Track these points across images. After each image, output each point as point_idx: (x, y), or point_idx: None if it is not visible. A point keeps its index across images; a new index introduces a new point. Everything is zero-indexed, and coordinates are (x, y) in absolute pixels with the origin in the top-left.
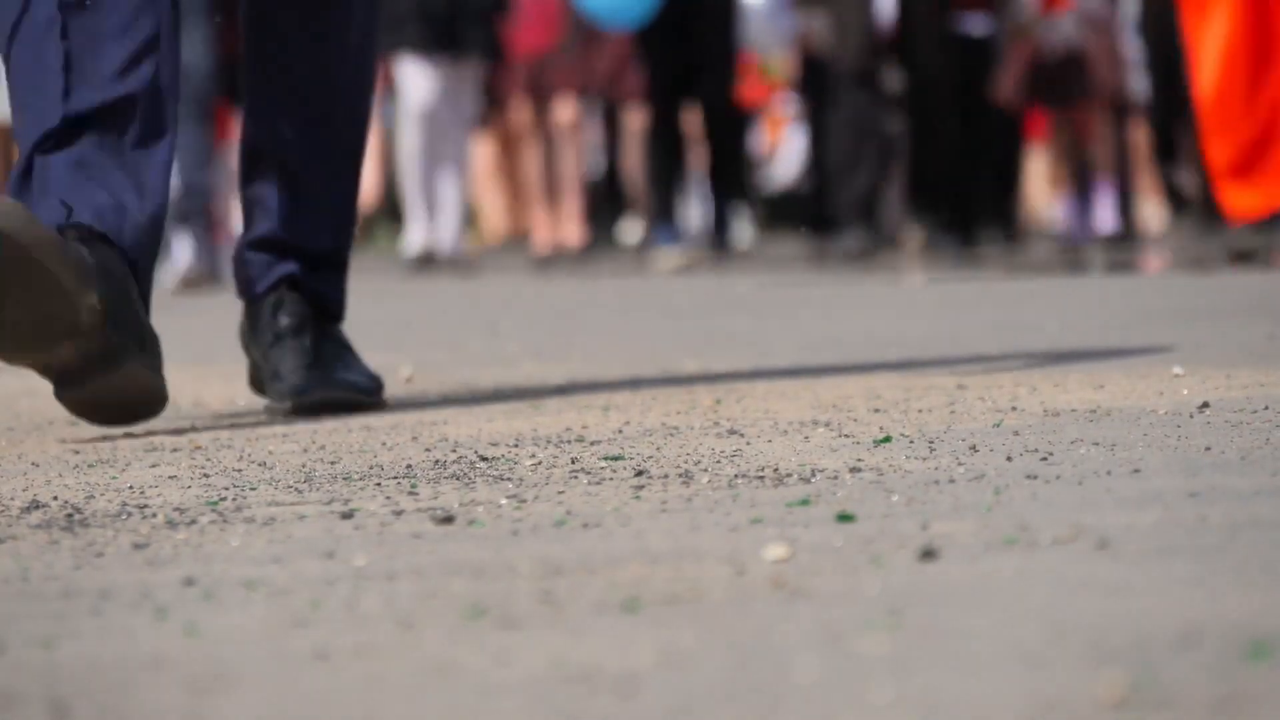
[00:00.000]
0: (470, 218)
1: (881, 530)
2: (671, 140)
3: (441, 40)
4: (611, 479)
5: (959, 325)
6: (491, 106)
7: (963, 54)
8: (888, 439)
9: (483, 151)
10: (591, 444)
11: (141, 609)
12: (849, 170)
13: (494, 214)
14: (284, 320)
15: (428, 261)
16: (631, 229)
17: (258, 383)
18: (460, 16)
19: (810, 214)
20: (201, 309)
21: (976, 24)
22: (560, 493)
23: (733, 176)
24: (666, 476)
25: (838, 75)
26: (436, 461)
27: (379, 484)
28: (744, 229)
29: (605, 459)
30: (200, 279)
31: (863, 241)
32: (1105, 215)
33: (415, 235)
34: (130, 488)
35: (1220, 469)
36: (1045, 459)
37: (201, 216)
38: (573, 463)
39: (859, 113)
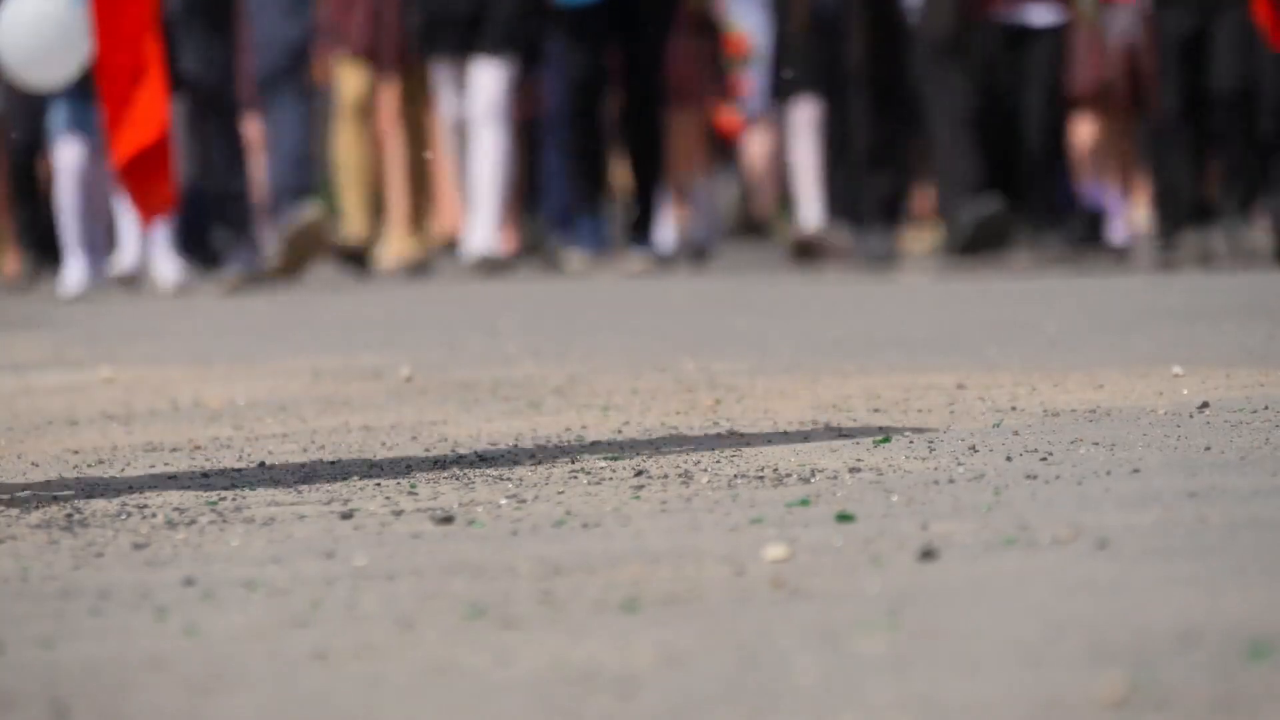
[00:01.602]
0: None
1: (881, 530)
2: (595, 132)
3: (467, 43)
4: (611, 479)
5: (959, 325)
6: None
7: (1025, 46)
8: (887, 439)
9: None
10: (591, 444)
11: (141, 609)
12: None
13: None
14: None
15: (493, 266)
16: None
17: None
18: (487, 16)
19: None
20: (202, 309)
21: (1039, 14)
22: (560, 493)
23: (656, 169)
24: (666, 476)
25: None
26: (436, 461)
27: (379, 484)
28: (669, 229)
29: (605, 459)
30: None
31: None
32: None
33: (476, 240)
34: (130, 488)
35: (1220, 469)
36: (1045, 459)
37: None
38: (573, 463)
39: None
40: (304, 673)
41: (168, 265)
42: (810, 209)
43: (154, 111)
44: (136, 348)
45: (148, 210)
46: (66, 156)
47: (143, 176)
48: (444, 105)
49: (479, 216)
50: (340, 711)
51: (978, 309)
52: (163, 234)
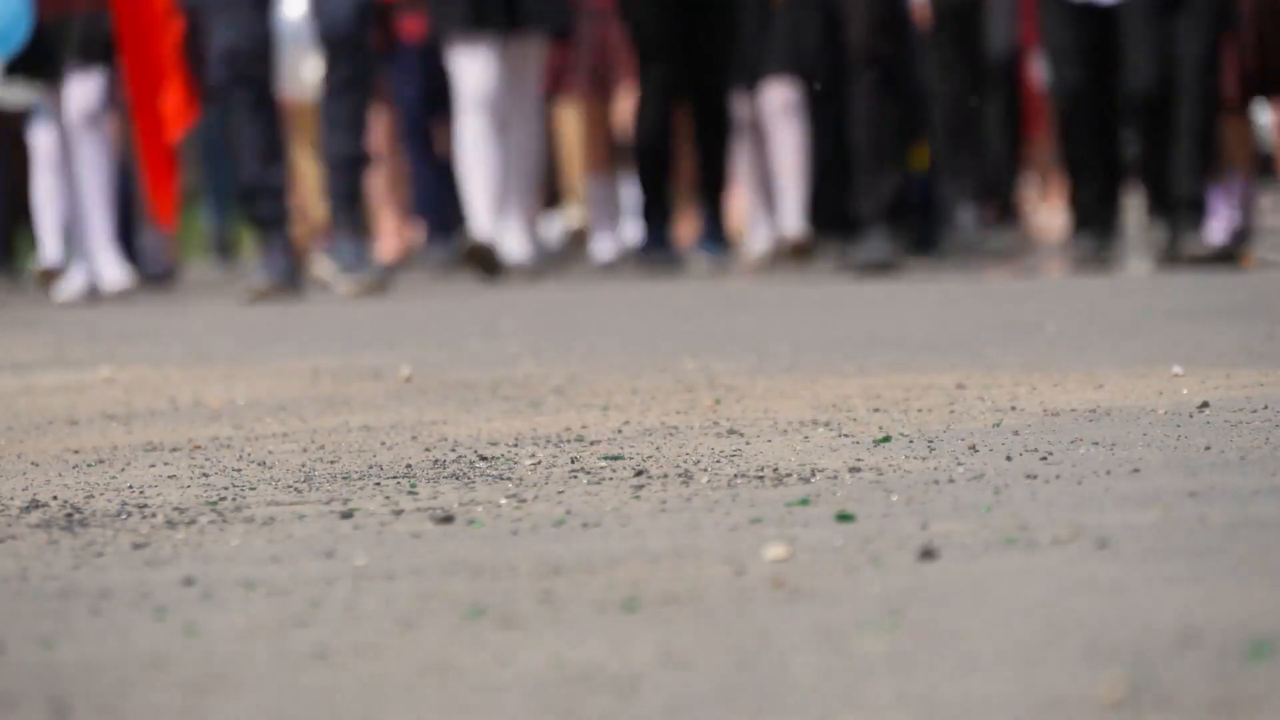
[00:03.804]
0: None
1: (881, 530)
2: (668, 137)
3: (496, 16)
4: (611, 479)
5: (959, 325)
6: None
7: (1105, 29)
8: (887, 439)
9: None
10: (591, 444)
11: (141, 609)
12: (869, 169)
13: None
14: None
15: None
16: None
17: None
18: None
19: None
20: (202, 308)
21: None
22: (560, 492)
23: (721, 180)
24: (666, 476)
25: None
26: (436, 461)
27: (379, 484)
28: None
29: (605, 459)
30: (272, 289)
31: (886, 251)
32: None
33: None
34: (130, 487)
35: (1220, 469)
36: (1045, 459)
37: (276, 220)
38: (572, 462)
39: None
40: (304, 673)
41: (112, 270)
42: (791, 206)
43: (178, 111)
44: (136, 348)
45: (163, 210)
46: (43, 142)
47: (160, 176)
48: (471, 86)
49: (518, 209)
50: (340, 711)
51: (978, 309)
52: (105, 238)
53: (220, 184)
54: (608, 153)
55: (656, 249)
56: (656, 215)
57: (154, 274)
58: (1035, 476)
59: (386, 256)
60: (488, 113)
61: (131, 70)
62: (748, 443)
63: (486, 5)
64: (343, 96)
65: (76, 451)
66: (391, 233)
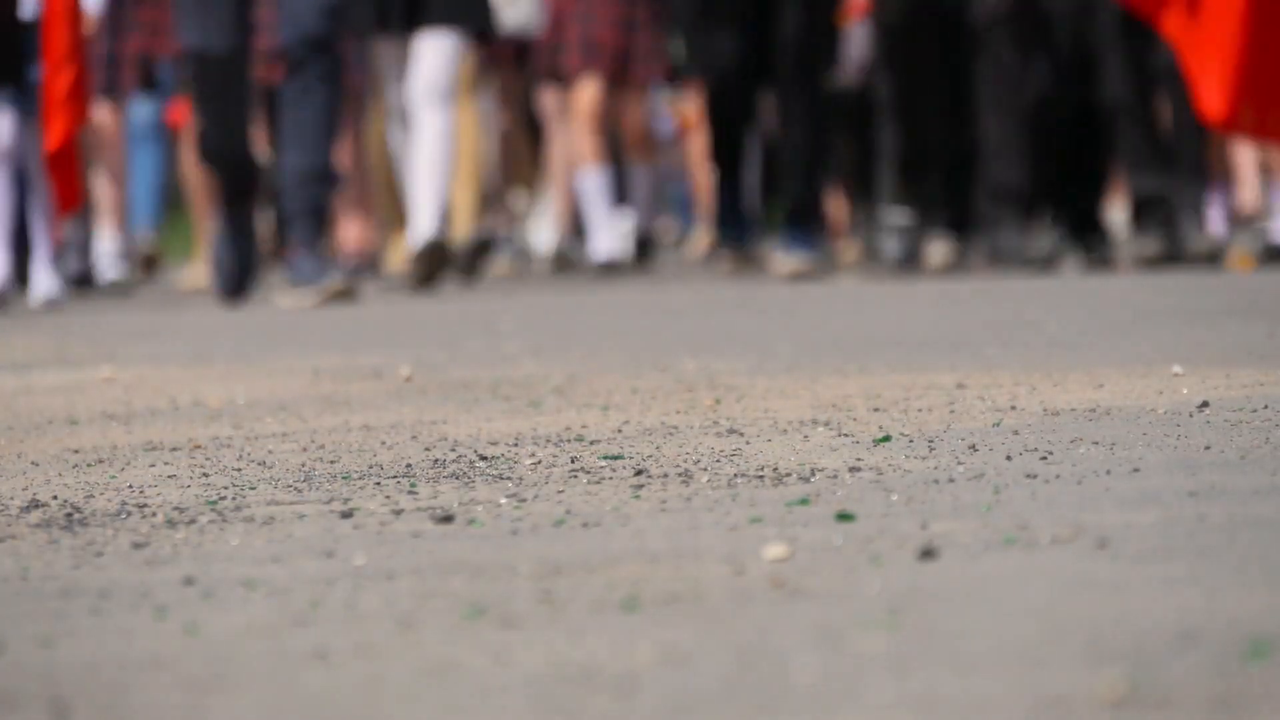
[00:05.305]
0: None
1: (881, 530)
2: (742, 127)
3: (398, 17)
4: (611, 478)
5: (959, 325)
6: None
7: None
8: (887, 438)
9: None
10: (591, 443)
11: (141, 609)
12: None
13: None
14: None
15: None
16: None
17: None
18: None
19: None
20: (202, 309)
21: None
22: (560, 492)
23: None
24: (666, 476)
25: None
26: (436, 461)
27: (379, 483)
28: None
29: (605, 458)
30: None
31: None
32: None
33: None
34: (130, 487)
35: (1220, 468)
36: (1045, 458)
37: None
38: (572, 462)
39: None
40: (304, 672)
41: (43, 279)
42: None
43: (76, 103)
44: (136, 348)
45: (65, 201)
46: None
47: (64, 166)
48: (389, 92)
49: (428, 205)
50: (340, 711)
51: (978, 309)
52: (42, 247)
53: None
54: (605, 143)
55: (736, 240)
56: (734, 204)
57: (73, 275)
58: (1035, 476)
59: (350, 261)
60: (403, 117)
61: (48, 65)
62: (748, 442)
63: (390, 6)
64: (308, 104)
65: (76, 451)
66: (355, 237)
